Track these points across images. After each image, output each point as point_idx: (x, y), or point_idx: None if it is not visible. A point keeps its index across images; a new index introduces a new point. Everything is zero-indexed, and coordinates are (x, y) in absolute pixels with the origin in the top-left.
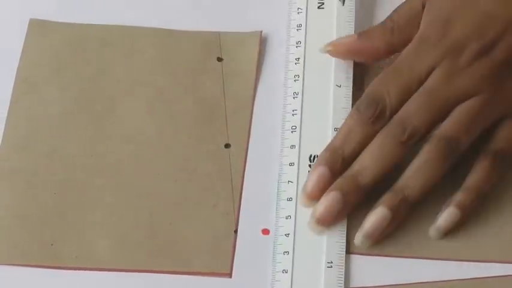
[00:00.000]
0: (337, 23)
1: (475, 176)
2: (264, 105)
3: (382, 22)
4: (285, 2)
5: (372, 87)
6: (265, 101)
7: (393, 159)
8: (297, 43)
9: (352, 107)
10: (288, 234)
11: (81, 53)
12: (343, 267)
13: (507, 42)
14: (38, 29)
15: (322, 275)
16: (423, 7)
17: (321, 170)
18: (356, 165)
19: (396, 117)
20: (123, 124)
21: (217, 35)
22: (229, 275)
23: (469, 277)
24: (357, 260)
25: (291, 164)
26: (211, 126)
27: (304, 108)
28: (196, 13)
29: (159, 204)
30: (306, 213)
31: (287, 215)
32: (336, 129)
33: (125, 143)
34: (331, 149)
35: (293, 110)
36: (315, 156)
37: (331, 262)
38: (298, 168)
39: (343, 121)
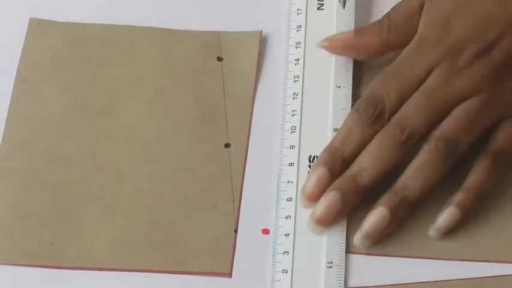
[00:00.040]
0: (336, 24)
1: (475, 176)
2: (264, 105)
3: (379, 19)
4: (285, 2)
5: (371, 88)
6: (265, 101)
7: (392, 160)
8: (297, 44)
9: (351, 107)
10: (288, 234)
11: (81, 53)
12: (343, 267)
13: (507, 42)
14: (38, 28)
15: (322, 275)
16: (421, 6)
17: (320, 171)
18: (355, 166)
19: (395, 117)
20: (123, 124)
21: (217, 35)
22: (229, 275)
23: (469, 277)
24: (356, 260)
25: (291, 164)
26: (211, 126)
27: (303, 108)
28: (196, 13)
29: (159, 204)
30: (306, 214)
31: (287, 215)
32: (335, 129)
33: (125, 143)
34: (330, 149)
35: (293, 111)
36: (314, 156)
37: (331, 262)
38: (298, 169)
39: (342, 122)
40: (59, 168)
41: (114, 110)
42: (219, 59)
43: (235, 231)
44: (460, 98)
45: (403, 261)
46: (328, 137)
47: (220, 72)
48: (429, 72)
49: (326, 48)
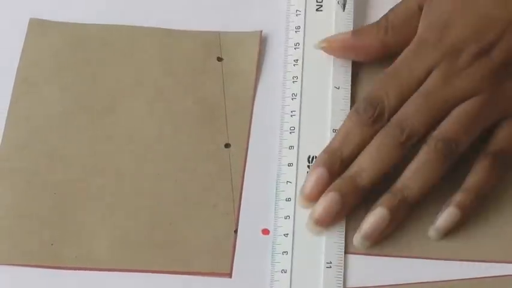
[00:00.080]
0: (335, 25)
1: (475, 177)
2: (264, 105)
3: (377, 21)
4: (285, 2)
5: (371, 88)
6: (265, 101)
7: (391, 161)
8: (296, 45)
9: (350, 108)
10: (287, 234)
11: (81, 53)
12: (342, 267)
13: (507, 42)
14: (38, 28)
15: (321, 275)
16: (419, 8)
17: (319, 172)
18: (354, 167)
19: (394, 118)
20: (123, 124)
21: (217, 35)
22: (229, 275)
23: (468, 277)
24: (355, 260)
25: (290, 165)
26: (211, 126)
27: (302, 109)
28: (196, 13)
29: (159, 204)
30: (305, 214)
31: (286, 215)
32: (334, 130)
33: (125, 143)
34: (329, 150)
35: (291, 111)
36: (313, 157)
37: (330, 262)
38: (297, 169)
39: (341, 123)
40: (59, 168)
41: (114, 110)
42: (219, 59)
43: (235, 231)
44: (459, 99)
45: (403, 261)
46: (327, 137)
47: (220, 72)
48: (428, 73)
49: (324, 49)
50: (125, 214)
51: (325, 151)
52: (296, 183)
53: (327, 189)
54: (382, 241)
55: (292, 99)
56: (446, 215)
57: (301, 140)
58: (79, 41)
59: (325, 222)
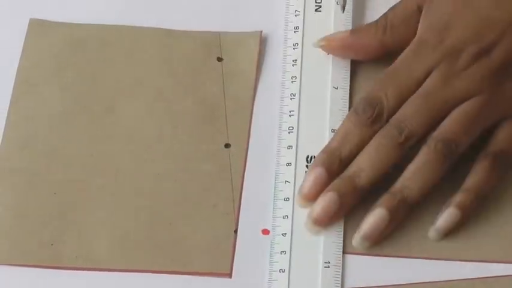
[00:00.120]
0: (334, 25)
1: (475, 177)
2: (264, 105)
3: (376, 20)
4: (284, 2)
5: (370, 89)
6: (265, 101)
7: (390, 161)
8: (294, 45)
9: (349, 109)
10: (285, 233)
11: (81, 53)
12: (340, 267)
13: (506, 44)
14: (38, 29)
15: (319, 275)
16: (418, 8)
17: (317, 171)
18: (353, 167)
19: (393, 119)
20: (123, 124)
21: (217, 35)
22: (229, 275)
23: (468, 277)
24: (354, 260)
25: (288, 164)
26: (211, 126)
27: (301, 109)
28: (196, 13)
29: (159, 204)
30: (303, 213)
31: (284, 215)
32: (333, 130)
33: (125, 143)
34: (328, 150)
35: (290, 111)
36: (312, 157)
37: (328, 262)
38: (295, 169)
39: (340, 123)
40: (59, 168)
41: (114, 110)
42: (219, 59)
43: (235, 231)
44: (459, 99)
45: (402, 261)
46: (325, 137)
47: (220, 72)
48: (428, 74)
49: (323, 47)
50: (124, 214)
51: (323, 151)
52: (294, 183)
53: (325, 189)
54: (381, 241)
55: (290, 99)
56: (446, 216)
57: (300, 140)
58: (79, 41)
59: (324, 222)
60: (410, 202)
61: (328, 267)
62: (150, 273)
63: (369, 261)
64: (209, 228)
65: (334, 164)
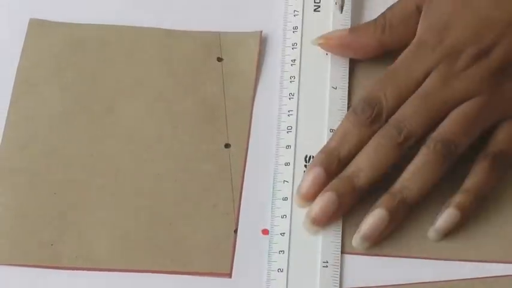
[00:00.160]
0: (333, 26)
1: (474, 178)
2: (264, 105)
3: (374, 19)
4: (283, 2)
5: (369, 89)
6: (265, 101)
7: (389, 161)
8: (293, 45)
9: (347, 109)
10: (284, 233)
11: (81, 53)
12: (339, 267)
13: (505, 44)
14: (38, 29)
15: (317, 275)
16: (417, 7)
17: (316, 171)
18: (352, 167)
19: (392, 119)
20: (123, 124)
21: (217, 35)
22: (229, 275)
23: (468, 277)
24: (353, 260)
25: (287, 164)
26: (211, 126)
27: (300, 109)
28: (196, 13)
29: (159, 204)
30: (302, 213)
31: (282, 214)
32: (331, 130)
33: (125, 143)
34: (326, 150)
35: (289, 111)
36: (310, 156)
37: (327, 262)
38: (294, 168)
39: (339, 123)
40: (59, 168)
41: (114, 110)
42: (219, 59)
43: (235, 231)
44: (458, 100)
45: (401, 261)
46: (324, 137)
47: (220, 72)
48: (427, 75)
49: (321, 46)
50: (124, 214)
51: (322, 151)
52: (293, 182)
53: (324, 189)
54: (381, 241)
55: (289, 98)
56: (445, 216)
57: (299, 140)
58: (79, 41)
59: (322, 222)
60: (409, 202)
61: (327, 266)
62: (150, 273)
63: (368, 261)
64: (209, 228)
65: (332, 164)
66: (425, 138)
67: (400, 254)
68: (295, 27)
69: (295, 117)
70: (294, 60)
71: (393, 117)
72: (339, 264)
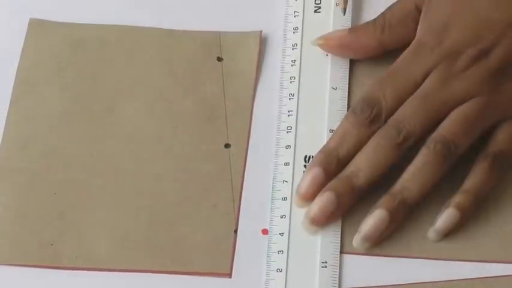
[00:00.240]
0: (333, 27)
1: (474, 178)
2: (263, 105)
3: (374, 19)
4: (284, 3)
5: (368, 90)
6: (265, 101)
7: (388, 161)
8: (293, 45)
9: (347, 109)
10: (283, 233)
11: (81, 53)
12: (338, 267)
13: (505, 44)
14: (38, 29)
15: (316, 275)
16: (416, 7)
17: (315, 171)
18: (351, 167)
19: (392, 119)
20: (123, 124)
21: (217, 35)
22: (229, 275)
23: (468, 277)
24: (352, 260)
25: (286, 164)
26: (211, 126)
27: (299, 109)
28: (196, 13)
29: (159, 204)
30: (301, 213)
31: (282, 214)
32: (331, 130)
33: (125, 143)
34: (326, 150)
35: (289, 111)
36: (310, 156)
37: (326, 262)
38: (293, 168)
39: (338, 123)
40: (59, 168)
41: (114, 110)
42: (219, 59)
43: (235, 231)
44: (458, 101)
45: (401, 261)
46: (323, 137)
47: (220, 72)
48: (426, 76)
49: (321, 46)
50: (125, 214)
51: (321, 151)
52: (292, 182)
53: (323, 189)
54: (380, 241)
55: (289, 99)
56: (445, 216)
57: (298, 140)
58: (79, 41)
59: (321, 222)
60: (410, 203)
61: (326, 267)
62: (150, 273)
63: (368, 261)
64: (209, 228)
65: (331, 164)
66: (425, 139)
67: (400, 254)
68: (296, 28)
69: (295, 117)
70: (294, 60)
71: (392, 117)
72: (338, 264)
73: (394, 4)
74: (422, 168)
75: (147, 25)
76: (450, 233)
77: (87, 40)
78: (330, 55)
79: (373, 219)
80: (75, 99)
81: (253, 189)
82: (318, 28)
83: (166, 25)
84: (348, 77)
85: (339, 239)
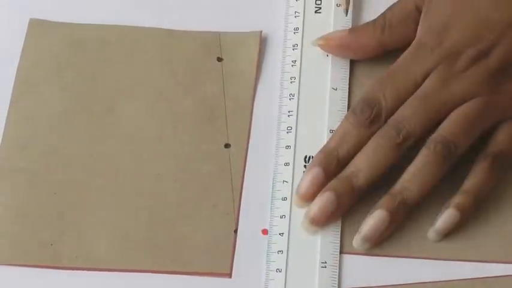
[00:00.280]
0: (334, 27)
1: (474, 178)
2: (263, 105)
3: (374, 19)
4: (284, 3)
5: (368, 90)
6: (265, 101)
7: (387, 162)
8: (294, 46)
9: (348, 110)
10: (282, 233)
11: (81, 53)
12: (337, 267)
13: (505, 45)
14: (38, 29)
15: (316, 275)
16: (417, 7)
17: (315, 171)
18: (351, 167)
19: (391, 119)
20: (123, 124)
21: (217, 35)
22: (229, 275)
23: (468, 277)
24: (352, 260)
25: (286, 164)
26: (211, 126)
27: (300, 109)
28: (196, 13)
29: (159, 204)
30: (301, 213)
31: (281, 215)
32: (331, 131)
33: (125, 143)
34: (326, 150)
35: (289, 111)
36: (310, 157)
37: (325, 262)
38: (293, 168)
39: (338, 123)
40: (59, 168)
41: (114, 110)
42: (219, 59)
43: (235, 231)
44: (458, 101)
45: (401, 261)
46: (324, 138)
47: (220, 72)
48: (426, 76)
49: (321, 46)
50: (125, 214)
51: (321, 151)
52: (292, 182)
53: (322, 189)
54: (381, 241)
55: (289, 99)
56: (445, 217)
57: (298, 140)
58: (79, 41)
59: (321, 222)
60: (410, 203)
61: (325, 267)
62: (150, 273)
63: (367, 261)
64: (209, 228)
65: (331, 164)
66: (426, 140)
67: (400, 254)
68: (296, 29)
69: (295, 117)
70: (295, 61)
71: (392, 117)
72: (338, 264)
73: (394, 4)
74: (423, 169)
75: (147, 25)
76: (450, 233)
77: (87, 40)
78: (330, 55)
79: (373, 219)
80: (75, 99)
81: (253, 189)
82: (318, 28)
83: (166, 25)
84: (348, 78)
85: (339, 239)
